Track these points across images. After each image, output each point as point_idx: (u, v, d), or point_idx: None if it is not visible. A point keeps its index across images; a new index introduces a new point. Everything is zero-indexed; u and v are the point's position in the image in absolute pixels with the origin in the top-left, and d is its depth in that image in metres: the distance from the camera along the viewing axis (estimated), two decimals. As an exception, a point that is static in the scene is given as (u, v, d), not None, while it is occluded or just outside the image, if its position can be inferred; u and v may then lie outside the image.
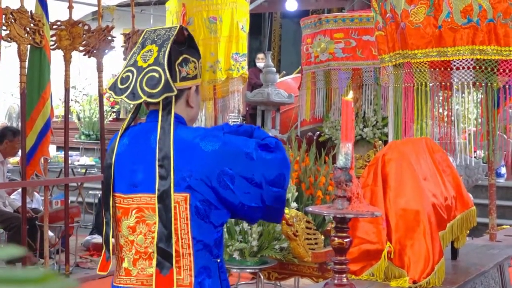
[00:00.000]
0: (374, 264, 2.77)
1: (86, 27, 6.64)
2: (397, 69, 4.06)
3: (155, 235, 2.17)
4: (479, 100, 4.48)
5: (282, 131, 8.99)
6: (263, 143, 2.24)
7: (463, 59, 3.70)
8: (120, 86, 2.26)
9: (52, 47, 6.33)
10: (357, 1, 11.57)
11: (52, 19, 6.35)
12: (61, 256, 6.85)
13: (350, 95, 2.27)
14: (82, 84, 12.99)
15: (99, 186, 7.66)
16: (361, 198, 2.15)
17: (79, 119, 12.79)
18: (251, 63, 12.05)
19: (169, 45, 2.22)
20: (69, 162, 7.21)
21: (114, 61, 11.39)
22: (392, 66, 4.10)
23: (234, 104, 7.56)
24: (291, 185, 4.38)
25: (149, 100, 2.20)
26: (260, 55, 11.82)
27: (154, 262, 2.18)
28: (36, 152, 6.07)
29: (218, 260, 2.26)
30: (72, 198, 8.62)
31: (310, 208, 2.30)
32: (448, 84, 3.85)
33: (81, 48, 6.61)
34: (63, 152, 6.95)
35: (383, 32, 4.13)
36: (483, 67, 3.68)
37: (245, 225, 4.23)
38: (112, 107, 12.96)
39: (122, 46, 7.23)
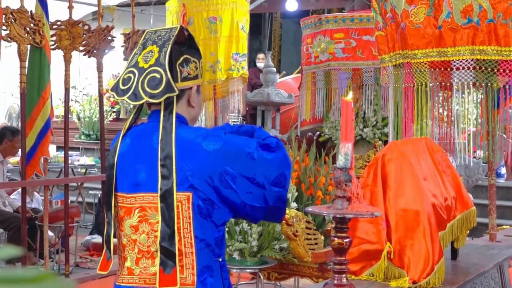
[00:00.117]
0: (374, 264, 2.77)
1: (86, 27, 6.64)
2: (397, 69, 4.06)
3: (158, 234, 2.19)
4: (479, 100, 4.48)
5: (282, 131, 8.99)
6: (264, 143, 2.26)
7: (463, 59, 3.70)
8: (122, 87, 2.28)
9: (52, 47, 6.33)
10: (357, 1, 11.57)
11: (52, 19, 6.35)
12: (61, 256, 6.84)
13: (350, 95, 2.27)
14: (82, 84, 12.98)
15: (99, 186, 7.65)
16: (361, 198, 2.15)
17: (79, 119, 12.78)
18: (251, 63, 12.06)
19: (170, 46, 2.23)
20: (69, 162, 7.21)
21: (114, 61, 11.39)
22: (392, 66, 4.10)
23: (234, 104, 7.56)
24: (291, 185, 4.38)
25: (151, 100, 2.21)
26: (260, 55, 11.82)
27: (157, 261, 2.20)
28: (36, 152, 6.07)
29: (220, 260, 2.27)
30: (72, 198, 8.62)
31: (310, 208, 2.30)
32: (448, 84, 3.85)
33: (81, 48, 6.61)
34: (63, 152, 6.95)
35: (383, 32, 4.13)
36: (483, 67, 3.68)
37: (245, 225, 4.23)
38: (112, 107, 12.96)
39: (122, 46, 7.23)
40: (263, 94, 8.49)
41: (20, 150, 6.31)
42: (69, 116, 7.13)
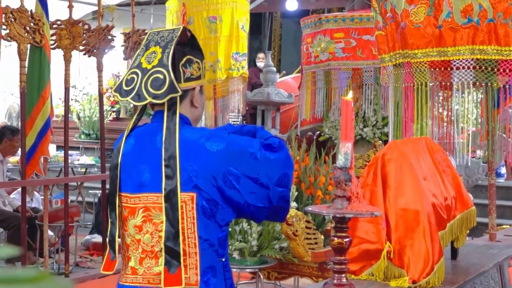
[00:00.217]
0: (373, 264, 2.77)
1: (86, 27, 6.64)
2: (397, 68, 4.06)
3: (163, 234, 2.20)
4: (479, 100, 4.48)
5: (282, 130, 8.98)
6: (267, 143, 2.27)
7: (463, 59, 3.70)
8: (125, 88, 2.29)
9: (52, 47, 6.33)
10: (357, 1, 11.56)
11: (52, 18, 6.35)
12: (60, 255, 6.84)
13: (350, 94, 2.27)
14: (82, 83, 12.99)
15: (99, 185, 7.65)
16: (361, 198, 2.15)
17: (79, 118, 12.79)
18: (251, 63, 12.06)
19: (172, 47, 2.24)
20: (69, 161, 7.21)
21: (114, 61, 11.40)
22: (392, 66, 4.10)
23: (234, 104, 7.56)
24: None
25: (154, 101, 2.22)
26: (260, 55, 11.82)
27: (161, 260, 2.21)
28: (36, 152, 6.07)
29: (223, 260, 2.29)
30: (72, 198, 8.62)
31: (309, 208, 2.30)
32: (448, 84, 3.85)
33: (81, 48, 6.61)
34: (63, 152, 6.95)
35: (383, 32, 4.13)
36: (483, 67, 3.68)
37: (245, 224, 4.23)
38: (112, 107, 12.97)
39: (122, 46, 7.23)
40: (263, 94, 8.48)
41: (20, 149, 6.31)
42: (69, 115, 7.14)
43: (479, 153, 7.51)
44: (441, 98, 4.03)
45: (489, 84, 3.70)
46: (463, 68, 3.71)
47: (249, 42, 8.61)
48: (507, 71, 3.65)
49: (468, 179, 6.80)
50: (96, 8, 7.38)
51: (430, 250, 2.74)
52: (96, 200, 9.02)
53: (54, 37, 6.40)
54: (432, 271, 2.73)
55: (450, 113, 4.05)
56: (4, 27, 5.69)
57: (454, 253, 3.33)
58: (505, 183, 9.54)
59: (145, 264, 2.26)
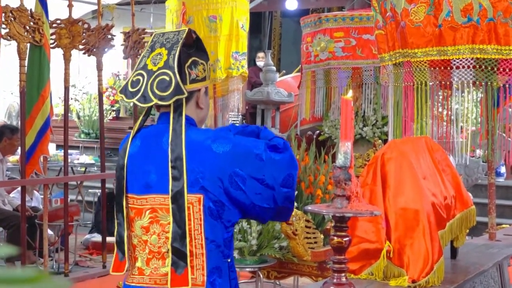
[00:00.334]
0: (373, 263, 2.77)
1: (85, 26, 6.64)
2: (397, 68, 4.06)
3: (170, 235, 2.22)
4: (478, 99, 4.48)
5: (282, 130, 8.98)
6: (272, 144, 2.29)
7: (463, 58, 3.70)
8: (130, 90, 2.30)
9: (51, 46, 6.33)
10: (357, 0, 11.55)
11: (52, 17, 6.35)
12: (60, 254, 6.85)
13: (350, 93, 2.26)
14: (82, 82, 12.99)
15: (99, 184, 7.65)
16: (360, 197, 2.14)
17: (78, 117, 12.79)
18: (251, 62, 12.06)
19: (178, 48, 2.26)
20: (69, 160, 7.21)
21: (114, 60, 11.40)
22: (392, 65, 4.09)
23: (234, 103, 7.55)
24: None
25: (160, 102, 2.24)
26: (260, 54, 11.81)
27: (168, 261, 2.23)
28: (35, 151, 6.07)
29: (229, 260, 2.31)
30: (71, 197, 8.62)
31: (309, 207, 2.29)
32: (448, 83, 3.84)
33: (80, 47, 6.61)
34: (62, 151, 6.95)
35: (383, 31, 4.13)
36: (483, 66, 3.67)
37: (244, 224, 4.23)
38: (112, 106, 12.97)
39: (121, 45, 7.23)
40: (263, 93, 8.47)
41: (19, 148, 6.31)
42: (69, 114, 7.14)
43: (478, 152, 7.51)
44: (440, 97, 4.03)
45: (489, 83, 3.70)
46: (463, 67, 3.71)
47: (249, 41, 8.60)
48: (507, 70, 3.65)
49: (468, 179, 6.80)
50: (95, 7, 7.38)
51: (430, 249, 2.74)
52: (96, 199, 9.02)
53: (53, 36, 6.40)
54: (431, 270, 2.73)
55: (449, 112, 4.05)
56: (3, 26, 5.69)
57: (454, 252, 3.33)
58: (505, 182, 9.54)
59: (152, 265, 2.28)
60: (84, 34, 6.58)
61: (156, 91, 2.22)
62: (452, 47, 3.70)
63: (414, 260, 2.73)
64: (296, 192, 4.43)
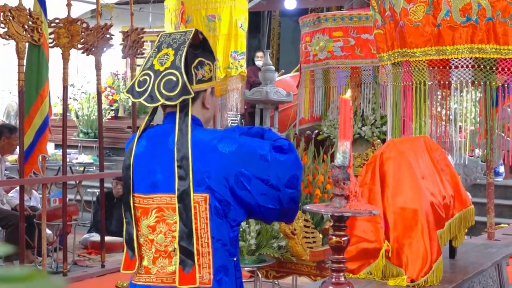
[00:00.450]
0: (372, 263, 2.77)
1: (84, 25, 6.63)
2: (395, 67, 4.05)
3: (176, 234, 2.24)
4: (477, 99, 4.48)
5: (280, 129, 8.97)
6: (277, 145, 2.31)
7: (462, 58, 3.70)
8: (137, 89, 2.32)
9: (50, 45, 6.33)
10: (356, -1, 11.55)
11: (50, 16, 6.35)
12: (59, 254, 6.84)
13: (348, 93, 2.26)
14: (81, 82, 12.97)
15: (98, 184, 7.65)
16: (359, 196, 2.14)
17: (77, 117, 12.77)
18: (250, 62, 12.05)
19: (185, 49, 2.28)
20: (67, 160, 7.21)
21: (113, 59, 11.39)
22: (391, 65, 4.09)
23: (232, 103, 7.55)
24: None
25: (167, 102, 2.26)
26: (259, 53, 11.81)
27: (175, 260, 2.25)
28: (34, 150, 6.07)
29: (235, 259, 2.33)
30: (70, 196, 8.62)
31: (308, 207, 2.30)
32: (447, 82, 3.84)
33: (79, 46, 6.60)
34: (61, 150, 6.94)
35: (382, 31, 4.13)
36: (482, 66, 3.67)
37: (243, 223, 4.23)
38: (111, 105, 12.96)
39: (120, 44, 7.23)
40: (262, 93, 8.46)
41: (18, 148, 6.30)
42: (68, 114, 7.14)
43: (477, 152, 7.51)
44: (439, 97, 4.03)
45: (488, 83, 3.70)
46: (462, 67, 3.71)
47: (248, 40, 8.61)
48: (506, 70, 3.65)
49: (467, 178, 6.79)
50: (94, 6, 7.38)
51: (429, 249, 2.74)
52: (95, 198, 9.02)
53: (52, 36, 6.39)
54: (430, 270, 2.73)
55: (448, 112, 4.05)
56: (2, 25, 5.69)
57: (453, 252, 3.33)
58: (504, 182, 9.54)
59: (158, 264, 2.30)
60: (83, 33, 6.57)
61: (163, 91, 2.25)
62: (451, 46, 3.70)
63: (413, 260, 2.73)
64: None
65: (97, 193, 8.35)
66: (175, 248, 2.25)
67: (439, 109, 4.09)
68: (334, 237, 2.17)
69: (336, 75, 7.11)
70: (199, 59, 2.36)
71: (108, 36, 6.76)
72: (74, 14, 6.80)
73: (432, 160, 3.12)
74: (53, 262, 6.82)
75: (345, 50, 6.98)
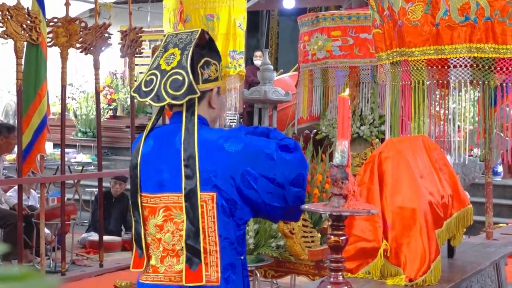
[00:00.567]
0: (370, 262, 2.77)
1: (83, 24, 6.62)
2: (394, 67, 4.05)
3: (183, 232, 2.26)
4: (476, 98, 4.48)
5: (279, 129, 8.91)
6: (283, 144, 2.33)
7: (460, 57, 3.70)
8: (144, 89, 2.34)
9: (48, 44, 6.32)
10: (354, -1, 11.54)
11: (49, 16, 6.34)
12: (57, 253, 6.84)
13: (347, 92, 2.26)
14: (79, 81, 12.95)
15: (96, 183, 7.64)
16: (357, 196, 2.14)
17: (75, 116, 12.76)
18: (249, 61, 12.05)
19: (191, 49, 2.30)
20: (66, 159, 7.20)
21: (111, 58, 11.38)
22: (389, 64, 4.09)
23: (231, 102, 7.54)
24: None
25: (173, 102, 2.28)
26: (258, 53, 11.81)
27: (182, 259, 2.28)
28: (32, 149, 6.06)
29: (242, 258, 2.36)
30: (68, 196, 8.60)
31: (306, 206, 2.30)
32: (445, 82, 3.84)
33: (78, 45, 6.59)
34: (59, 149, 6.94)
35: (380, 30, 4.12)
36: (480, 65, 3.67)
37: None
38: (109, 105, 12.94)
39: (119, 43, 7.22)
40: (260, 92, 8.46)
41: (16, 147, 6.29)
42: (66, 113, 7.13)
43: (476, 151, 7.52)
44: (438, 96, 4.03)
45: (486, 82, 3.70)
46: (460, 66, 3.71)
47: (246, 40, 8.61)
48: (504, 69, 3.65)
49: (465, 178, 6.80)
50: (93, 5, 7.37)
51: (427, 248, 2.74)
52: (93, 198, 9.01)
53: (50, 35, 6.38)
54: (428, 269, 2.73)
55: (447, 111, 4.05)
56: (0, 24, 5.68)
57: (451, 251, 3.33)
58: (502, 181, 9.54)
59: (166, 263, 2.33)
60: (81, 32, 6.56)
61: (169, 91, 2.27)
62: (449, 46, 3.70)
63: (411, 259, 2.73)
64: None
65: (96, 193, 8.35)
66: (182, 247, 2.27)
67: (437, 108, 4.09)
68: (332, 237, 2.17)
69: (335, 75, 7.11)
70: (205, 59, 2.38)
71: (106, 35, 6.75)
72: (73, 13, 6.80)
73: (430, 159, 3.12)
74: (51, 262, 6.82)
75: (344, 50, 6.97)
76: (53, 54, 6.50)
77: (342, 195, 2.12)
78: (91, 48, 6.66)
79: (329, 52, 7.03)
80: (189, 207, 2.25)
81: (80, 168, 10.54)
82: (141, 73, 13.08)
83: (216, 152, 2.27)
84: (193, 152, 2.25)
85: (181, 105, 2.30)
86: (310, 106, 7.34)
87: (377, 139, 7.08)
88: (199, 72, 2.35)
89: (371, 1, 4.20)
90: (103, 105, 11.94)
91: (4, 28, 5.71)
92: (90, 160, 10.56)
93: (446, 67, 3.78)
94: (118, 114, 13.11)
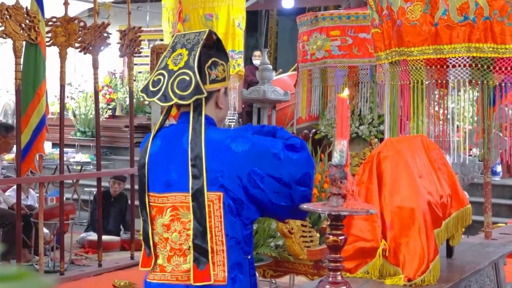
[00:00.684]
0: (369, 262, 2.76)
1: (82, 24, 6.62)
2: (393, 66, 4.05)
3: (191, 232, 2.28)
4: (474, 98, 4.48)
5: (278, 128, 8.95)
6: (289, 143, 2.34)
7: (459, 57, 3.70)
8: (151, 89, 2.36)
9: (47, 44, 6.32)
10: (353, -2, 11.54)
11: (47, 15, 6.33)
12: (56, 253, 6.83)
13: (345, 92, 2.26)
14: (78, 80, 12.95)
15: (95, 183, 7.64)
16: (356, 195, 2.14)
17: (74, 116, 12.75)
18: (248, 61, 12.05)
19: (198, 49, 2.31)
20: (65, 159, 7.20)
21: (110, 58, 11.37)
22: (388, 64, 4.09)
23: (230, 102, 7.54)
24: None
25: (180, 102, 2.30)
26: (257, 53, 11.81)
27: (189, 258, 2.29)
28: (31, 149, 6.06)
29: (249, 257, 2.37)
30: (67, 195, 8.60)
31: (305, 206, 2.29)
32: (444, 82, 3.84)
33: (76, 45, 6.59)
34: (58, 149, 6.93)
35: (379, 30, 4.12)
36: (479, 65, 3.67)
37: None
38: (108, 104, 12.93)
39: (118, 43, 7.22)
40: (259, 92, 8.47)
41: (14, 146, 6.29)
42: (65, 113, 7.12)
43: (475, 151, 7.52)
44: (437, 96, 4.03)
45: (485, 82, 3.70)
46: (459, 66, 3.71)
47: (245, 40, 8.61)
48: (503, 69, 3.65)
49: (464, 177, 6.80)
50: (92, 5, 7.37)
51: (426, 248, 2.74)
52: (92, 198, 9.00)
53: (49, 34, 6.38)
54: (427, 269, 2.72)
55: (446, 111, 4.05)
56: (-1, 24, 5.68)
57: (450, 251, 3.33)
58: (501, 181, 9.55)
59: (173, 262, 2.34)
60: (80, 32, 6.56)
61: (177, 91, 2.28)
62: (448, 45, 3.70)
63: (410, 259, 2.73)
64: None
65: (94, 192, 8.34)
66: (189, 246, 2.29)
67: (436, 108, 4.09)
68: (331, 236, 2.17)
69: (334, 74, 7.12)
70: (213, 59, 2.39)
71: (105, 35, 6.75)
72: (72, 13, 6.79)
73: (429, 159, 3.12)
74: (50, 261, 6.82)
75: (343, 49, 6.98)
76: (52, 54, 6.50)
77: (341, 194, 2.12)
78: (90, 48, 6.65)
79: (328, 51, 7.04)
80: (196, 207, 2.27)
81: (79, 167, 10.53)
82: (140, 72, 13.12)
83: (223, 152, 2.28)
84: (200, 152, 2.26)
85: (189, 105, 2.32)
86: (309, 105, 7.35)
87: (376, 139, 7.08)
88: (207, 72, 2.36)
89: (370, 0, 4.20)
90: (102, 104, 11.94)
91: (3, 28, 5.70)
92: (89, 160, 10.55)
93: (445, 66, 3.78)
94: (117, 113, 13.10)
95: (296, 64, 8.23)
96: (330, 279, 2.18)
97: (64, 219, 6.60)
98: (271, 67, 8.88)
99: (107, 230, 7.86)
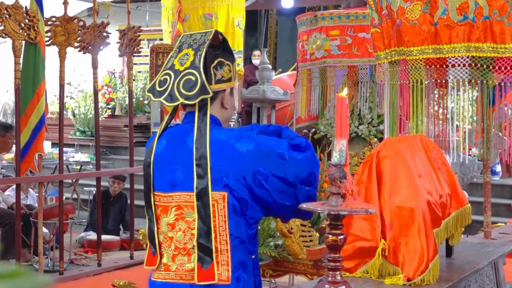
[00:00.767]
0: (368, 262, 2.76)
1: (81, 23, 6.61)
2: (392, 66, 4.05)
3: (195, 231, 2.30)
4: (474, 98, 4.48)
5: (277, 128, 8.95)
6: (294, 143, 2.35)
7: (458, 57, 3.70)
8: (158, 89, 2.37)
9: (47, 43, 6.31)
10: (353, -2, 11.54)
11: (47, 15, 6.33)
12: (55, 252, 6.83)
13: (345, 91, 2.26)
14: (77, 80, 12.95)
15: (94, 183, 7.63)
16: (356, 195, 2.14)
17: (74, 115, 12.74)
18: (247, 60, 12.05)
19: (204, 49, 2.33)
20: (64, 158, 7.19)
21: (109, 57, 11.37)
22: (388, 63, 4.09)
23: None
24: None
25: (186, 102, 2.31)
26: (256, 52, 11.81)
27: (193, 257, 2.31)
28: (30, 149, 6.05)
29: (253, 257, 2.38)
30: (66, 195, 8.60)
31: (304, 205, 2.29)
32: (444, 81, 3.84)
33: (76, 44, 6.58)
34: (57, 149, 6.93)
35: (378, 29, 4.12)
36: (479, 65, 3.67)
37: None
38: (107, 104, 12.93)
39: (117, 43, 7.21)
40: (259, 91, 8.46)
41: (14, 146, 6.28)
42: (64, 112, 7.12)
43: (474, 151, 7.52)
44: (436, 95, 4.03)
45: (485, 81, 3.70)
46: (459, 65, 3.71)
47: (245, 39, 8.61)
48: (503, 68, 3.65)
49: (464, 177, 6.80)
50: (91, 4, 7.37)
51: (425, 247, 2.73)
52: (91, 197, 9.00)
53: (49, 34, 6.37)
54: (426, 268, 2.72)
55: (445, 110, 4.05)
56: (-2, 23, 5.67)
57: (449, 251, 3.33)
58: (500, 181, 9.55)
59: (177, 261, 2.36)
60: (79, 31, 6.55)
61: (182, 91, 2.30)
62: (447, 45, 3.70)
63: (409, 259, 2.73)
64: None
65: (94, 192, 8.34)
66: (194, 246, 2.30)
67: (436, 107, 4.09)
68: (330, 236, 2.17)
69: (333, 74, 7.11)
70: (219, 59, 2.40)
71: (105, 34, 6.74)
72: (71, 12, 6.79)
73: (428, 158, 3.12)
74: (49, 261, 6.81)
75: (342, 49, 6.97)
76: (51, 53, 6.49)
77: (340, 194, 2.12)
78: (89, 47, 6.65)
79: (327, 51, 7.03)
80: (200, 206, 2.28)
81: (79, 167, 10.53)
82: (139, 72, 13.13)
83: (227, 152, 2.29)
84: (205, 152, 2.28)
85: (194, 105, 2.33)
86: (309, 105, 7.34)
87: (376, 138, 7.08)
88: (212, 72, 2.37)
89: (370, 0, 4.20)
90: (101, 104, 11.93)
91: (2, 27, 5.70)
92: (88, 159, 10.55)
93: (444, 66, 3.78)
94: (116, 113, 13.10)
95: (296, 63, 8.23)
96: (330, 278, 2.18)
97: (64, 218, 6.60)
98: (270, 66, 8.86)
99: (106, 229, 7.86)
